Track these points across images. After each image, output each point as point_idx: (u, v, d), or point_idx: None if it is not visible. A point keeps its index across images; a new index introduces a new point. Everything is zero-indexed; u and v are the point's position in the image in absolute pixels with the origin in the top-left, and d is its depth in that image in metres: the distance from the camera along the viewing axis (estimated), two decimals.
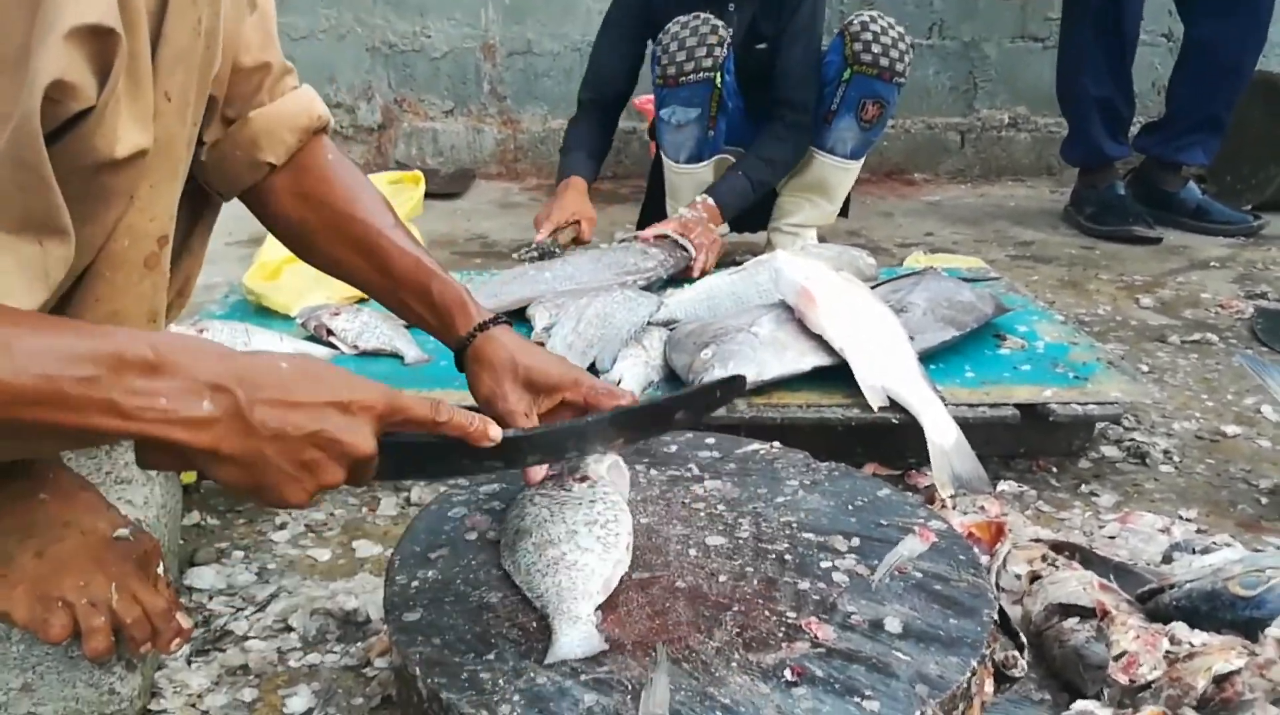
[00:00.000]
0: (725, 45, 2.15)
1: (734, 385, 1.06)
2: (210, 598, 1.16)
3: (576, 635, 0.82)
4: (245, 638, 1.09)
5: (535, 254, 2.11)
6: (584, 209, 2.26)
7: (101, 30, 0.67)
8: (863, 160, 2.39)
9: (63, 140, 0.70)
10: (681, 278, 1.94)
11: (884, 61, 2.18)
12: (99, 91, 0.69)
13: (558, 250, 2.14)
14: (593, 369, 1.49)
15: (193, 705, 0.98)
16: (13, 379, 0.63)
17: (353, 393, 0.73)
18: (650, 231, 2.04)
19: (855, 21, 2.21)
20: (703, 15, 2.16)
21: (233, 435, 0.69)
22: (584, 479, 1.00)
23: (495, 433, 0.82)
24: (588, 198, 2.31)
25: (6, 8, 0.65)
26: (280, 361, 0.72)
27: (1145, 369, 1.86)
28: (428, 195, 2.13)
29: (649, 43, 2.32)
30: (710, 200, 2.16)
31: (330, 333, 1.61)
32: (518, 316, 1.74)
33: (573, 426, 0.93)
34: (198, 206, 1.00)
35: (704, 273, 1.98)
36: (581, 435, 0.93)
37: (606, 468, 1.03)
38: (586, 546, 0.90)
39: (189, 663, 1.04)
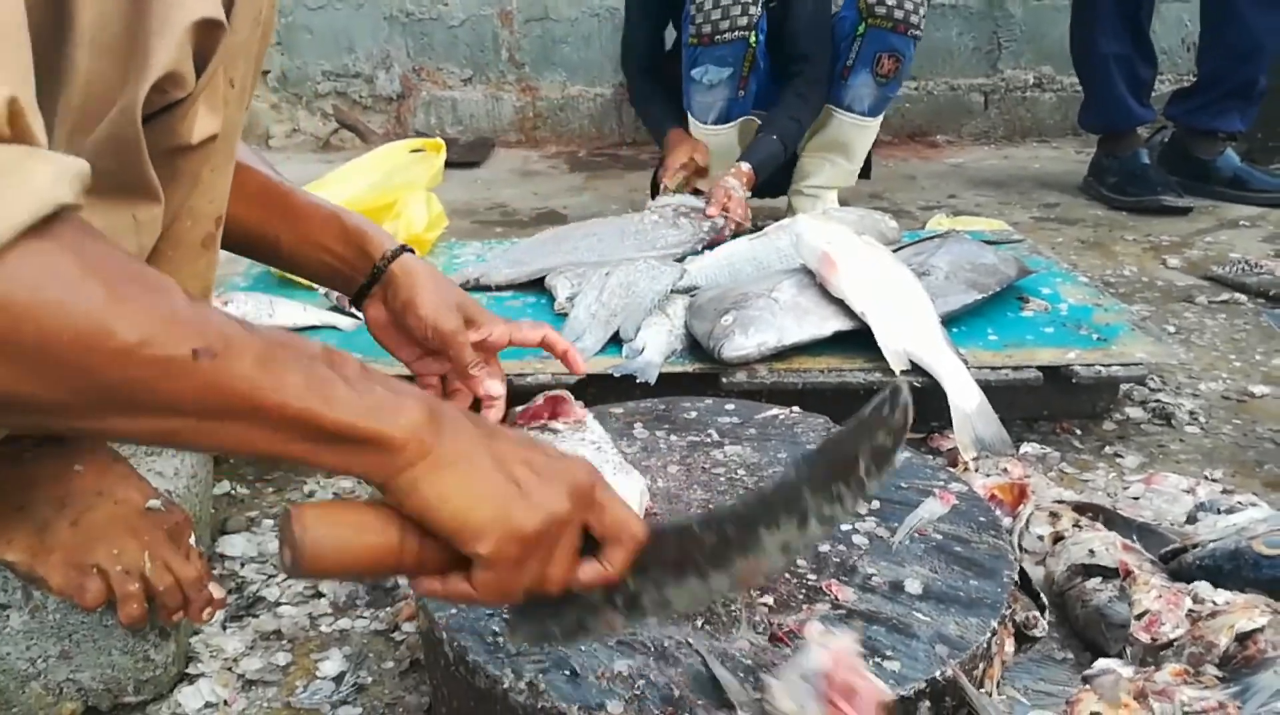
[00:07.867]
0: (759, 3, 2.12)
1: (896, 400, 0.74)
2: (242, 565, 1.18)
3: None
4: (277, 604, 1.11)
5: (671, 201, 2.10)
6: (695, 150, 2.26)
7: (212, 23, 0.69)
8: (881, 118, 2.36)
9: (148, 125, 0.71)
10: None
11: (898, 14, 2.15)
12: (195, 81, 0.71)
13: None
14: (616, 338, 1.50)
15: (229, 669, 1.01)
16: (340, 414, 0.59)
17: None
18: (680, 188, 2.01)
19: None
20: None
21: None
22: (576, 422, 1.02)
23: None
24: (692, 138, 2.31)
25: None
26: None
27: (1172, 330, 1.84)
28: (447, 164, 2.11)
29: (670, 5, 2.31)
30: (747, 166, 2.14)
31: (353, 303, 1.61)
32: (538, 286, 1.74)
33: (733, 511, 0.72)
34: None
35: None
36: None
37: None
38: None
39: (224, 628, 1.07)
